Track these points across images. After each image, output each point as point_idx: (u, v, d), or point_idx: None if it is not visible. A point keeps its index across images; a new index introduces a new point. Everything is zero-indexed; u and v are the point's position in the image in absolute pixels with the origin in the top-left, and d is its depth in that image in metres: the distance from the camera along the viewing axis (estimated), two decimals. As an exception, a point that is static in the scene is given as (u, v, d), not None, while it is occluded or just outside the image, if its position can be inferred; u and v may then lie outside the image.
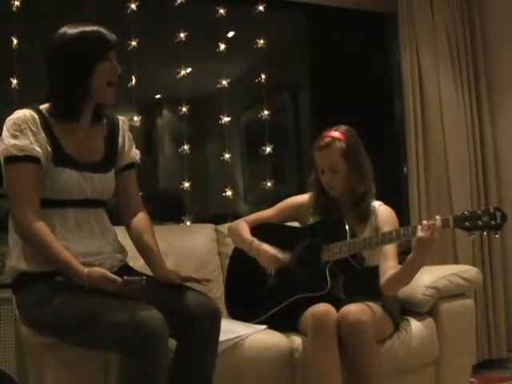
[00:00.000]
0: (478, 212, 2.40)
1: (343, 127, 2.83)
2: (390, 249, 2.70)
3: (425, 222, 2.45)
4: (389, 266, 2.65)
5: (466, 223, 2.39)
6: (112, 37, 2.29)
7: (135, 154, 2.53)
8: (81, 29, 2.26)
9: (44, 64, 2.29)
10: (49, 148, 2.24)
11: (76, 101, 2.29)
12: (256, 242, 2.83)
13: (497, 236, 2.45)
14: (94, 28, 2.27)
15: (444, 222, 2.43)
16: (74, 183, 2.27)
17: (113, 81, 2.30)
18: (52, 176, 2.24)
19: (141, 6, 3.66)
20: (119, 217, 2.52)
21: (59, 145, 2.27)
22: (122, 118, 2.52)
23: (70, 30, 2.26)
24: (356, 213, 2.82)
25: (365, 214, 2.82)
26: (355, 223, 2.79)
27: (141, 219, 2.47)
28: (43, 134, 2.24)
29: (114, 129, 2.46)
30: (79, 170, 2.28)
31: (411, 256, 2.54)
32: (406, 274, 2.59)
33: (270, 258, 2.77)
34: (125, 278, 2.11)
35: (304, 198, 2.99)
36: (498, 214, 2.37)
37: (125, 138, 2.49)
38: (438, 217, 2.44)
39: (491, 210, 2.39)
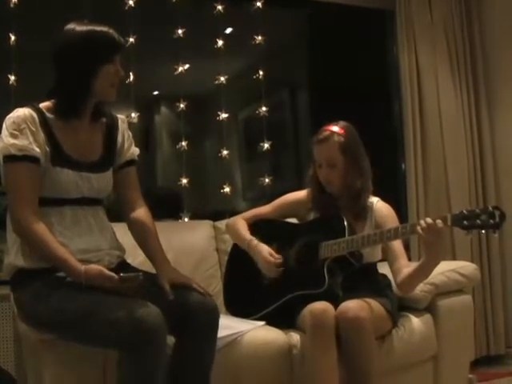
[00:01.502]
0: (477, 211, 2.39)
1: (342, 123, 2.84)
2: (399, 246, 2.72)
3: (422, 222, 2.45)
4: (401, 265, 2.68)
5: (465, 222, 2.39)
6: (120, 40, 2.29)
7: (134, 151, 2.53)
8: (90, 27, 2.25)
9: (50, 60, 2.27)
10: (47, 148, 2.24)
11: (79, 99, 2.29)
12: (254, 241, 2.83)
13: (495, 235, 2.45)
14: (104, 29, 2.26)
15: (442, 221, 2.43)
16: (71, 183, 2.26)
17: (116, 82, 2.30)
18: (50, 175, 2.24)
19: (139, 2, 3.66)
20: (121, 213, 2.52)
21: (58, 144, 2.27)
22: (121, 117, 2.52)
23: (79, 27, 2.25)
24: (353, 209, 2.82)
25: (362, 211, 2.82)
26: (353, 220, 2.79)
27: (142, 216, 2.46)
28: (42, 134, 2.24)
29: (113, 127, 2.46)
30: (77, 170, 2.28)
31: (424, 259, 2.57)
32: (423, 273, 2.63)
33: (265, 263, 2.76)
34: (121, 275, 2.11)
35: (302, 194, 2.99)
36: (497, 213, 2.35)
37: (124, 136, 2.49)
38: (438, 220, 2.43)
39: (490, 208, 2.37)
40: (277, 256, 2.77)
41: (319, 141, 2.80)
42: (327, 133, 2.79)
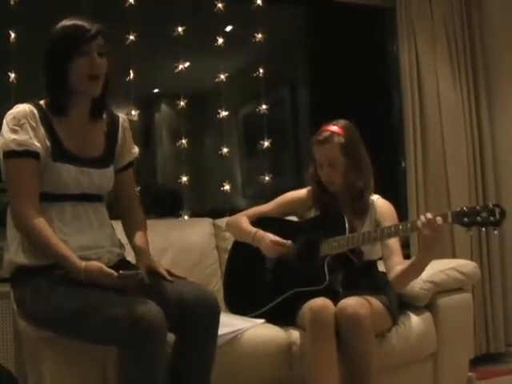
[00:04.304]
0: (477, 208, 2.40)
1: (342, 122, 2.82)
2: (394, 244, 2.72)
3: (422, 217, 2.45)
4: (395, 262, 2.68)
5: (465, 219, 2.39)
6: (92, 28, 2.23)
7: (135, 152, 2.54)
8: (62, 24, 2.26)
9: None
10: (48, 143, 2.24)
11: (59, 97, 2.28)
12: (260, 231, 2.84)
13: (495, 232, 2.45)
14: (73, 22, 2.25)
15: (443, 218, 2.43)
16: (71, 178, 2.26)
17: (94, 73, 2.25)
18: (50, 171, 2.24)
19: (139, 0, 3.65)
20: (116, 212, 2.55)
21: (58, 140, 2.27)
22: (122, 116, 2.52)
23: (57, 26, 2.27)
24: (354, 207, 2.82)
25: (363, 209, 2.82)
26: (353, 217, 2.79)
27: (135, 216, 2.50)
28: (42, 129, 2.24)
29: (114, 126, 2.46)
30: (78, 166, 2.28)
31: (419, 254, 2.58)
32: (415, 271, 2.63)
33: (273, 244, 2.76)
34: (121, 272, 2.11)
35: (302, 192, 2.99)
36: (497, 210, 2.36)
37: (125, 136, 2.49)
38: (438, 217, 2.43)
39: (490, 206, 2.38)
40: (285, 241, 2.77)
41: (319, 142, 2.79)
42: (327, 134, 2.78)
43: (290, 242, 2.78)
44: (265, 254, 2.82)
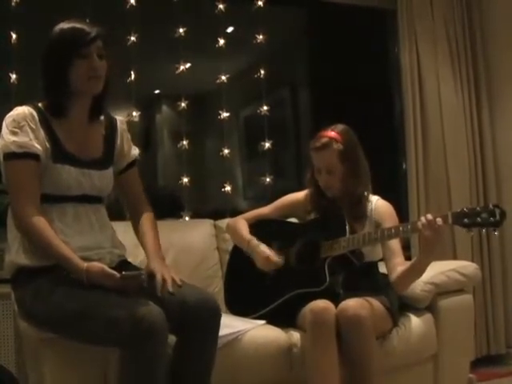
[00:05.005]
0: (477, 209, 2.40)
1: (340, 127, 2.80)
2: (395, 245, 2.72)
3: (423, 219, 2.45)
4: (396, 263, 2.69)
5: (465, 220, 2.39)
6: (92, 30, 2.24)
7: (134, 152, 2.54)
8: (60, 26, 2.26)
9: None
10: (48, 145, 2.24)
11: (58, 98, 2.29)
12: (254, 241, 2.83)
13: (496, 233, 2.45)
14: (72, 25, 2.25)
15: (443, 219, 2.43)
16: (72, 180, 2.27)
17: (94, 75, 2.26)
18: (51, 172, 2.24)
19: (140, 1, 3.65)
20: (124, 213, 2.56)
21: (58, 141, 2.27)
22: (120, 119, 2.53)
23: (55, 28, 2.27)
24: (352, 212, 2.81)
25: (361, 214, 2.82)
26: (353, 219, 2.79)
27: (144, 216, 2.48)
28: (42, 131, 2.24)
29: (112, 128, 2.46)
30: (79, 167, 2.29)
31: (419, 256, 2.58)
32: (416, 272, 2.63)
33: (264, 260, 2.76)
34: (123, 273, 2.11)
35: (301, 195, 2.98)
36: (497, 211, 2.36)
37: (123, 138, 2.49)
38: (438, 218, 2.44)
39: (490, 206, 2.38)
40: (277, 258, 2.76)
41: (317, 149, 2.77)
42: (325, 140, 2.76)
43: (281, 259, 2.77)
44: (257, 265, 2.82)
